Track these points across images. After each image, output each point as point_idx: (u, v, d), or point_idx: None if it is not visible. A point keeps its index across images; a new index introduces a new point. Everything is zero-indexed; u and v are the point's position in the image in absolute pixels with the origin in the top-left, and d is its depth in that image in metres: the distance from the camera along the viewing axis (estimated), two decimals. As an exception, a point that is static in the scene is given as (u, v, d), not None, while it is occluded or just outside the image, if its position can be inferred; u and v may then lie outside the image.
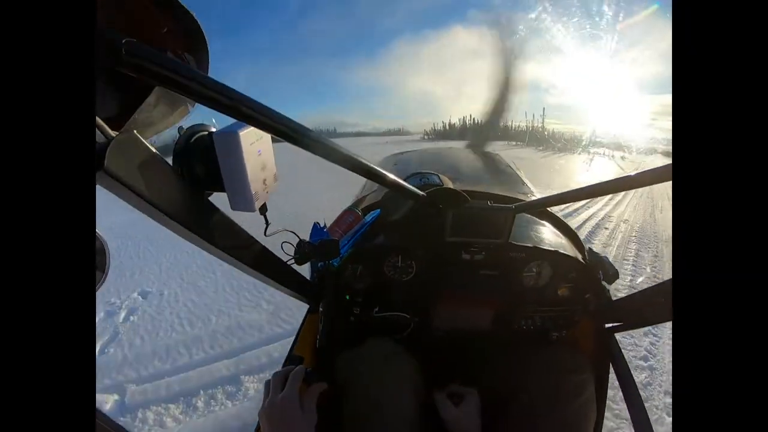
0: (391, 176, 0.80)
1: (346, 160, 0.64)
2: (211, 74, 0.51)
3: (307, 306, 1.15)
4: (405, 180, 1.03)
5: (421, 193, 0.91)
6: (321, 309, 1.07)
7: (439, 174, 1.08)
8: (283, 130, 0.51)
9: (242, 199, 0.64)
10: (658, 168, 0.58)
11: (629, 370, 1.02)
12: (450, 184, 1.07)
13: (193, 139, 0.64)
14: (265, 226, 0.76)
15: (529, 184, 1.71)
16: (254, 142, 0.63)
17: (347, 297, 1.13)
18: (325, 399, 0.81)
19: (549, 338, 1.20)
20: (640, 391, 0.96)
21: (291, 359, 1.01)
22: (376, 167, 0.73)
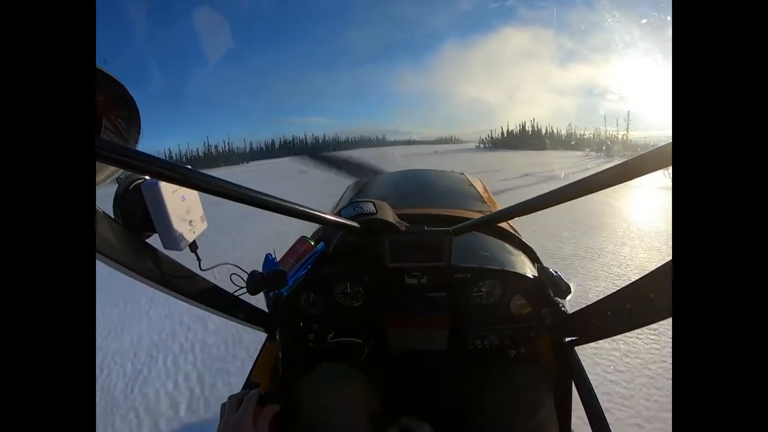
0: (323, 214, 0.88)
1: (273, 205, 0.73)
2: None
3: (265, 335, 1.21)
4: (341, 210, 1.10)
5: (354, 224, 0.97)
6: (277, 337, 1.13)
7: (375, 201, 1.10)
8: (198, 184, 0.59)
9: (170, 239, 0.74)
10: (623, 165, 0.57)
11: (590, 384, 1.02)
12: (388, 210, 1.10)
13: (131, 187, 0.74)
14: (198, 261, 0.84)
15: (489, 202, 1.72)
16: (176, 189, 0.72)
17: (301, 324, 1.17)
18: (280, 423, 0.86)
19: (507, 356, 1.20)
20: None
21: (248, 385, 1.07)
22: (306, 208, 0.82)
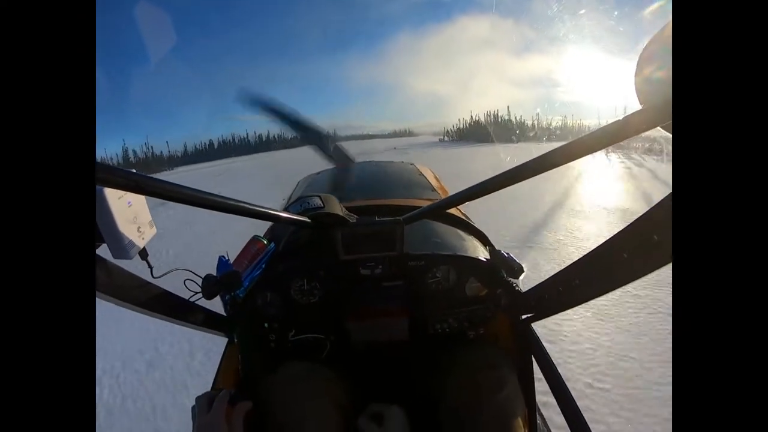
0: (272, 211, 0.89)
1: (222, 205, 0.73)
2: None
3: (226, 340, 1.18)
4: (288, 207, 1.12)
5: (304, 218, 0.99)
6: (235, 340, 1.11)
7: (322, 195, 1.11)
8: (144, 188, 0.58)
9: (118, 247, 0.71)
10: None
11: (549, 357, 1.06)
12: (336, 204, 1.12)
13: None
14: (150, 268, 0.82)
15: (440, 190, 1.79)
16: (123, 195, 0.70)
17: (265, 325, 1.17)
18: (251, 423, 0.85)
19: (467, 337, 1.25)
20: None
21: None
22: (256, 207, 0.82)
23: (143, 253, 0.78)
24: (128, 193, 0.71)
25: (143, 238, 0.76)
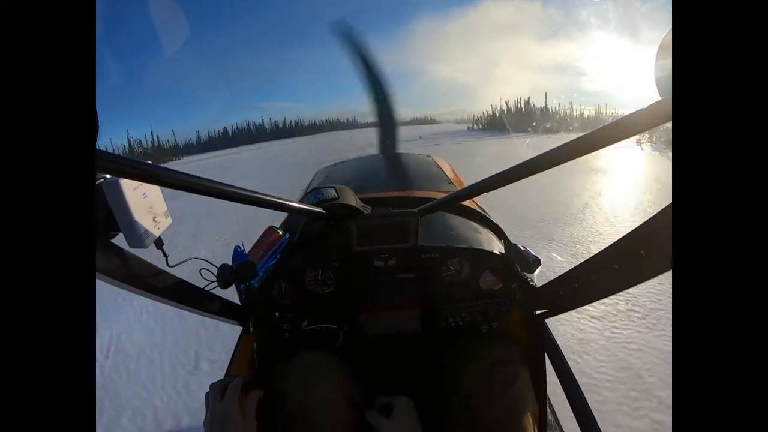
0: (287, 201, 0.90)
1: (236, 195, 0.74)
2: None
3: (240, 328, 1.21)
4: (303, 198, 1.12)
5: (318, 209, 1.00)
6: (251, 329, 1.14)
7: (336, 186, 1.11)
8: (159, 179, 0.59)
9: (135, 236, 0.73)
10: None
11: (562, 354, 1.05)
12: (350, 195, 1.12)
13: None
14: (165, 257, 0.84)
15: (456, 182, 1.77)
16: (138, 186, 0.72)
17: (277, 314, 1.19)
18: (264, 410, 0.88)
19: (480, 331, 1.25)
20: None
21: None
22: (271, 197, 0.83)
23: (158, 243, 0.80)
24: (143, 184, 0.73)
25: (159, 228, 0.78)
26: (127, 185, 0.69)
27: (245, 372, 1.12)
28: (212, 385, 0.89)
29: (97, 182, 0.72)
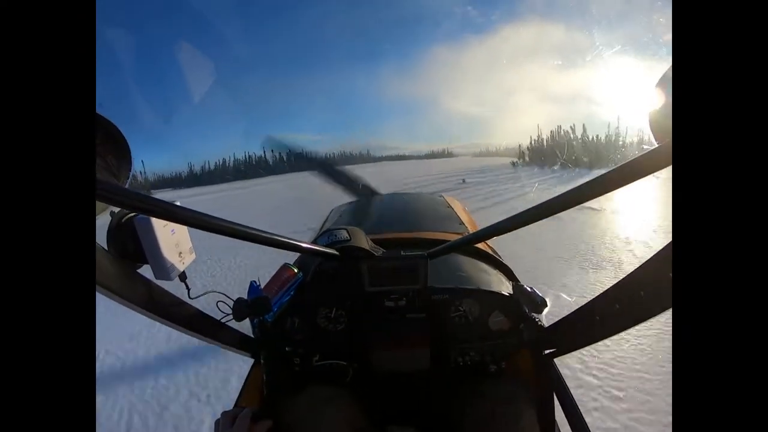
0: (301, 243, 0.95)
1: (255, 236, 0.80)
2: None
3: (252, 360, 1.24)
4: (316, 240, 1.17)
5: (332, 251, 1.05)
6: (262, 361, 1.16)
7: (348, 228, 1.16)
8: (186, 219, 0.65)
9: (161, 269, 0.80)
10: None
11: (571, 394, 1.06)
12: (362, 237, 1.16)
13: (123, 220, 0.80)
14: (187, 290, 0.90)
15: (467, 223, 1.80)
16: (167, 223, 0.79)
17: (291, 348, 1.22)
18: None
19: (488, 371, 1.25)
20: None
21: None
22: (284, 238, 0.89)
23: (182, 276, 0.86)
24: (172, 222, 0.80)
25: (183, 263, 0.84)
26: (158, 222, 0.77)
27: (255, 403, 1.14)
28: (223, 414, 0.91)
29: (128, 216, 0.80)
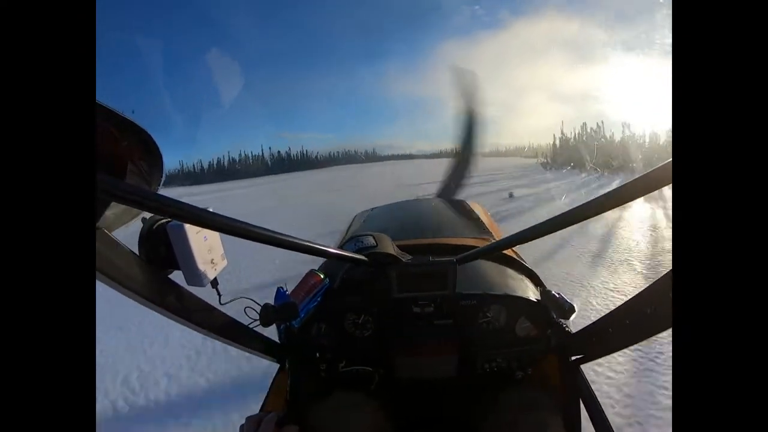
0: (328, 248, 0.94)
1: (284, 242, 0.79)
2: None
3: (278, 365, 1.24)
4: (343, 246, 1.16)
5: (360, 257, 1.03)
6: (287, 367, 1.15)
7: (375, 234, 1.16)
8: (218, 226, 0.65)
9: (193, 276, 0.79)
10: (641, 178, 0.57)
11: (598, 401, 1.04)
12: (388, 243, 1.15)
13: (155, 227, 0.79)
14: (218, 296, 0.89)
15: (491, 228, 1.79)
16: (200, 230, 0.78)
17: (317, 354, 1.21)
18: None
19: (514, 377, 1.24)
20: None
21: None
22: (312, 243, 0.88)
23: (214, 282, 0.85)
24: (204, 229, 0.79)
25: (215, 270, 0.83)
26: (191, 229, 0.76)
27: (280, 408, 1.13)
28: (248, 419, 0.90)
29: (160, 223, 0.79)
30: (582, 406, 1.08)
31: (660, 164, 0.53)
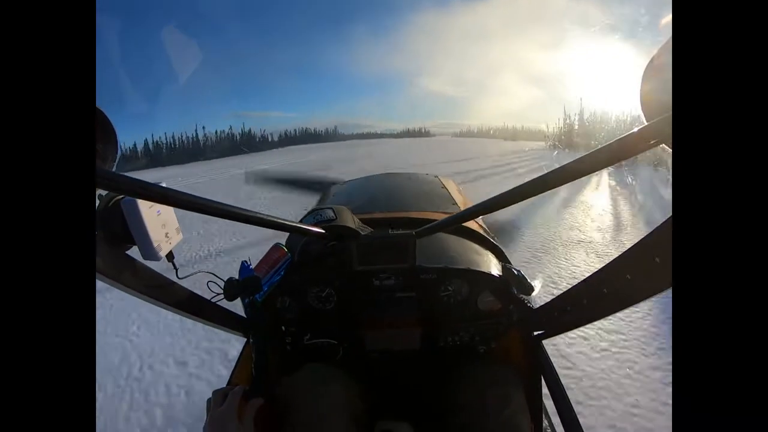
0: (287, 222, 0.96)
1: (240, 215, 0.80)
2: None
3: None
4: (302, 219, 1.18)
5: (318, 230, 1.05)
6: (251, 341, 1.19)
7: (335, 207, 1.17)
8: (171, 200, 0.66)
9: (148, 250, 0.81)
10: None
11: (557, 376, 1.07)
12: (348, 216, 1.17)
13: (110, 204, 0.80)
14: (175, 270, 0.91)
15: (461, 204, 1.80)
16: (153, 205, 0.80)
17: (282, 328, 1.24)
18: (264, 419, 0.91)
19: (477, 352, 1.27)
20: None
21: None
22: (270, 217, 0.89)
23: (170, 256, 0.87)
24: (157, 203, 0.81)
25: (170, 243, 0.85)
26: (143, 204, 0.77)
27: (247, 381, 1.16)
28: (214, 392, 0.93)
29: (116, 199, 0.80)
30: (543, 380, 1.11)
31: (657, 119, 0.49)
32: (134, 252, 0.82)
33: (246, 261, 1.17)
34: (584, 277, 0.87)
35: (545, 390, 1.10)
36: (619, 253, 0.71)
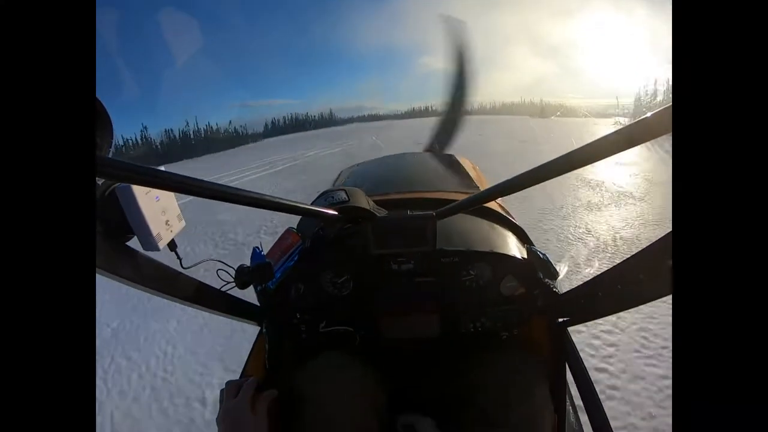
0: (298, 204, 0.89)
1: (246, 198, 0.72)
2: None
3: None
4: (314, 202, 1.11)
5: (331, 212, 0.98)
6: (263, 329, 1.15)
7: (347, 189, 1.09)
8: (173, 185, 0.59)
9: (148, 240, 0.75)
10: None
11: (583, 364, 1.01)
12: (362, 197, 1.09)
13: (107, 193, 0.75)
14: (178, 259, 0.86)
15: (479, 183, 1.71)
16: (150, 190, 0.73)
17: (297, 316, 1.19)
18: (278, 410, 0.89)
19: (500, 339, 1.21)
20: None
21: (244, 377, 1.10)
22: (279, 199, 0.81)
23: (172, 245, 0.81)
24: (155, 189, 0.74)
25: (172, 231, 0.79)
26: (139, 190, 0.70)
27: (261, 372, 1.13)
28: (227, 384, 0.91)
29: (110, 188, 0.74)
30: (567, 369, 1.06)
31: (660, 109, 0.48)
32: (135, 243, 0.77)
33: (258, 247, 1.12)
34: (616, 263, 0.81)
35: (569, 378, 1.06)
36: (657, 238, 0.65)
